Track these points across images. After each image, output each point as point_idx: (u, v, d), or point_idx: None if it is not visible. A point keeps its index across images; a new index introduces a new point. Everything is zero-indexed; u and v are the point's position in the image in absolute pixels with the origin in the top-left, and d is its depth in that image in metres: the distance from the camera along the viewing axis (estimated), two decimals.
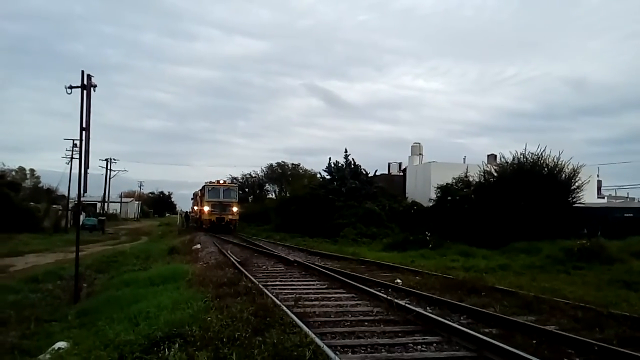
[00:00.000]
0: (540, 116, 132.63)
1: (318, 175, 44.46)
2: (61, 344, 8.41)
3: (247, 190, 65.02)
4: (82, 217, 44.38)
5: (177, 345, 6.14)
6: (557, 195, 23.92)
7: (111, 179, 68.28)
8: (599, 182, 45.11)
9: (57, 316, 12.38)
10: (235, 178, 62.35)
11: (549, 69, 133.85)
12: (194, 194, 57.01)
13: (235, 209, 39.64)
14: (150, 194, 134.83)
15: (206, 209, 39.30)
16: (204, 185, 41.15)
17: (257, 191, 65.85)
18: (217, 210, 38.78)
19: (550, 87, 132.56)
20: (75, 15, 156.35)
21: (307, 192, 38.08)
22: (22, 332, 10.84)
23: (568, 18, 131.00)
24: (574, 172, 24.71)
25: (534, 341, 6.63)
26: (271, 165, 64.65)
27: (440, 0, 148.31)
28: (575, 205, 24.81)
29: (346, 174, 37.00)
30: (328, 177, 38.77)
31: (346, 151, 38.59)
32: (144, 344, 6.41)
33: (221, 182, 41.65)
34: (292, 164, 64.41)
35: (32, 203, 49.66)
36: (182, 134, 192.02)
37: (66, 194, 52.86)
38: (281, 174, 63.14)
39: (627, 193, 55.38)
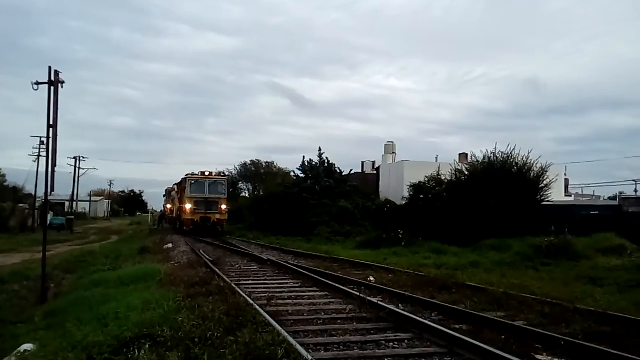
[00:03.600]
0: (509, 115, 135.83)
1: (292, 174, 44.24)
2: (27, 346, 8.20)
3: None
4: (49, 216, 43.41)
5: (147, 345, 6.05)
6: (525, 193, 24.38)
7: (80, 177, 66.79)
8: (566, 180, 46.18)
9: (23, 317, 12.07)
10: None
11: (516, 69, 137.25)
12: (166, 190, 53.87)
13: (223, 206, 33.16)
14: (120, 193, 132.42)
15: (188, 206, 32.31)
16: (185, 178, 33.94)
17: (230, 189, 65.29)
18: (201, 208, 32.20)
19: (517, 87, 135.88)
20: (39, 8, 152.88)
21: (280, 190, 37.86)
22: None
23: (532, 20, 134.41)
24: (542, 171, 25.21)
25: (503, 336, 6.76)
26: (244, 163, 64.15)
27: (408, 1, 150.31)
28: (543, 202, 25.32)
29: (320, 173, 36.99)
30: (302, 175, 38.67)
31: (320, 149, 38.57)
32: (113, 345, 6.30)
33: (206, 173, 33.95)
34: (266, 162, 64.05)
35: None
36: (152, 132, 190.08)
37: (33, 193, 51.53)
38: (255, 172, 62.72)
39: (593, 191, 57.00)
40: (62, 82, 15.30)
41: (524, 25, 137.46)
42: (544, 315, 8.11)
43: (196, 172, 34.04)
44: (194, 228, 31.83)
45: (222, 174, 37.58)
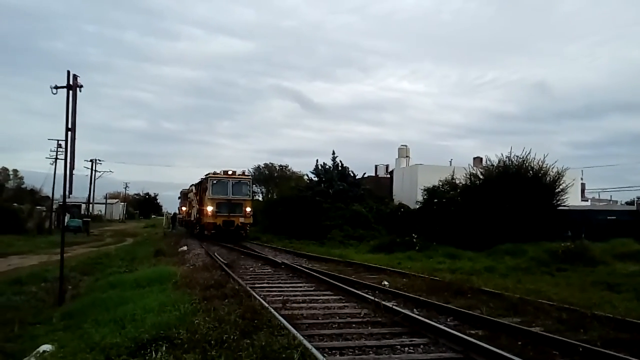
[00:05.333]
0: (522, 119, 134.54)
1: (305, 177, 44.31)
2: (46, 347, 8.30)
3: None
4: (66, 219, 43.91)
5: (164, 347, 6.10)
6: (541, 198, 24.19)
7: (96, 180, 67.48)
8: (583, 185, 45.71)
9: (42, 319, 12.21)
10: None
11: (528, 72, 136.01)
12: (181, 192, 52.58)
13: (248, 209, 30.44)
14: (135, 195, 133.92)
15: (209, 209, 29.49)
16: (207, 177, 31.12)
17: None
18: (224, 211, 29.35)
19: (530, 91, 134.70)
20: (55, 12, 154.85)
21: (294, 193, 37.92)
22: (5, 335, 10.68)
23: (544, 24, 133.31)
24: (558, 175, 25.01)
25: (520, 342, 6.71)
26: (258, 166, 64.51)
27: (419, 5, 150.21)
28: (560, 207, 25.10)
29: (334, 176, 37.02)
30: (315, 178, 38.75)
31: (334, 153, 38.62)
32: (130, 347, 6.37)
33: (230, 172, 30.80)
34: (280, 165, 64.39)
35: (15, 204, 48.99)
36: (166, 135, 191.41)
37: (50, 195, 52.25)
38: (268, 175, 63.00)
39: (610, 196, 56.26)
40: (81, 86, 15.46)
41: (535, 29, 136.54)
42: (561, 322, 8.02)
43: (218, 171, 31.08)
44: (216, 232, 29.28)
45: (245, 174, 33.84)
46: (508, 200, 23.73)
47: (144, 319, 7.97)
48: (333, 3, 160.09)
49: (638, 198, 34.20)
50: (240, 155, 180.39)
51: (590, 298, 10.28)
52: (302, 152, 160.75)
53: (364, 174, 40.16)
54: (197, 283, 11.58)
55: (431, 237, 23.92)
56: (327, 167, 38.15)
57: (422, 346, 6.76)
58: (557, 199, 25.06)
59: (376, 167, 48.63)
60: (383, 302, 8.99)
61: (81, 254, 27.76)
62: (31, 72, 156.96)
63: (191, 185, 40.91)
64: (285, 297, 10.14)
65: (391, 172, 45.78)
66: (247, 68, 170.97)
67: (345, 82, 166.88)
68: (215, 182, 30.33)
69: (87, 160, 65.48)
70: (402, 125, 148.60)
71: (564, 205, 25.40)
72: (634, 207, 30.17)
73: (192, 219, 38.29)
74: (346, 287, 11.26)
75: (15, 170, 79.58)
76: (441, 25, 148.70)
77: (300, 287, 12.33)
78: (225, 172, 30.75)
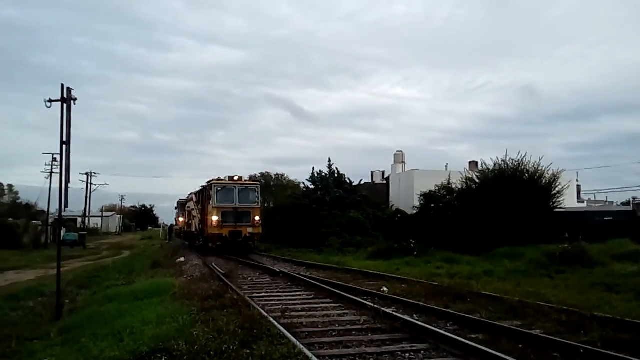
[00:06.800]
0: (516, 122, 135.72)
1: (302, 185, 44.23)
2: None
3: None
4: (62, 233, 43.72)
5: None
6: (538, 200, 24.25)
7: (92, 193, 67.33)
8: (579, 186, 45.78)
9: (39, 334, 12.12)
10: None
11: (520, 76, 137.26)
12: (178, 202, 49.58)
13: (257, 217, 27.42)
14: (131, 208, 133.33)
15: (214, 218, 26.49)
16: (210, 184, 28.00)
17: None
18: (231, 221, 26.59)
19: (522, 94, 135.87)
20: (45, 26, 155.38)
21: (291, 202, 37.86)
22: (2, 351, 10.60)
23: (533, 28, 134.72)
24: (554, 178, 25.11)
25: (520, 345, 6.70)
26: (254, 175, 64.40)
27: (409, 12, 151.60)
28: (556, 209, 25.16)
29: (330, 183, 36.97)
30: (312, 186, 38.66)
31: (330, 160, 38.56)
32: None
33: (235, 178, 28.03)
34: (276, 174, 64.19)
35: (10, 219, 48.73)
36: (161, 146, 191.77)
37: (46, 209, 52.03)
38: (265, 184, 62.90)
39: (606, 197, 56.53)
40: (75, 99, 15.42)
41: (526, 32, 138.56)
42: (561, 324, 8.02)
43: (222, 177, 28.38)
44: (222, 245, 26.56)
45: (253, 179, 30.01)
46: (505, 203, 23.78)
47: (143, 331, 7.93)
48: (324, 11, 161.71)
49: (634, 198, 34.27)
50: (235, 165, 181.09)
51: (589, 299, 10.29)
52: (298, 160, 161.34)
53: (360, 180, 40.15)
54: (195, 294, 11.53)
55: (429, 242, 23.91)
56: (323, 174, 38.10)
57: (422, 351, 6.73)
58: (554, 201, 25.13)
59: (372, 173, 48.64)
60: (382, 309, 8.97)
61: (78, 268, 27.61)
62: (24, 86, 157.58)
63: (190, 194, 38.47)
64: (284, 306, 10.11)
65: (387, 178, 45.80)
66: (240, 78, 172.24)
67: (339, 90, 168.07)
68: (220, 188, 27.36)
69: (83, 174, 65.53)
70: (396, 132, 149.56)
71: (561, 208, 25.47)
72: (629, 208, 30.21)
73: (194, 230, 35.20)
74: (345, 294, 11.22)
75: (10, 185, 78.95)
76: (432, 31, 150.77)
77: (299, 295, 12.29)
78: (231, 178, 27.99)
